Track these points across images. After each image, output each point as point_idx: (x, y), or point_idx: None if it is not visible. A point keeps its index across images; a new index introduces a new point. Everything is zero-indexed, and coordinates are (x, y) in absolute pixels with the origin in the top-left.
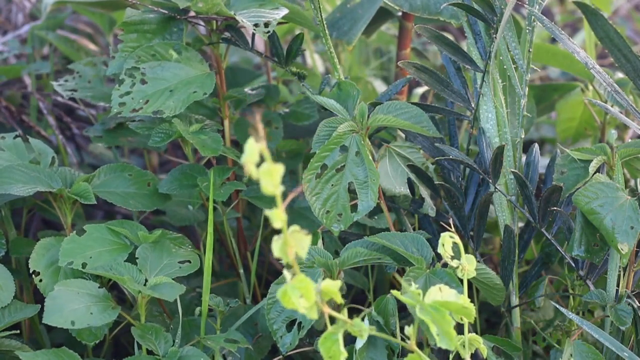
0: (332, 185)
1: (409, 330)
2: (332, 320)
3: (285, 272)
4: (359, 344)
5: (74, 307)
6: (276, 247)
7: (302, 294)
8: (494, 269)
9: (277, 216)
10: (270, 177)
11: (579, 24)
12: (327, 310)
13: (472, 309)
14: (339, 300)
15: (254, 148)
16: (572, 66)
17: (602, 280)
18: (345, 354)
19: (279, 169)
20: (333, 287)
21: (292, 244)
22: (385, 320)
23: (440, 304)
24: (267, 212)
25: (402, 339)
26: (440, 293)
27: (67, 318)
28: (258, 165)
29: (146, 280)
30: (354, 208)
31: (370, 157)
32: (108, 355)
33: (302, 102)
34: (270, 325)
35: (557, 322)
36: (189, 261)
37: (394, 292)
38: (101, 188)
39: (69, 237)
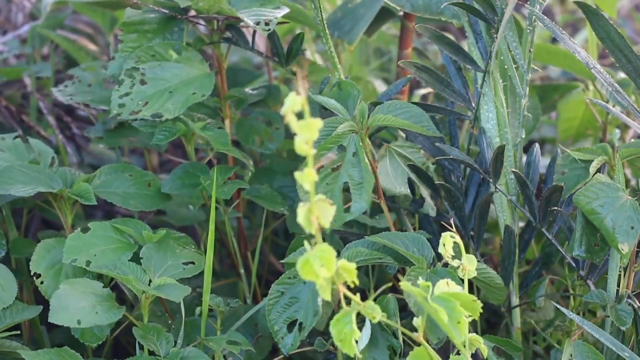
0: (327, 183)
1: (417, 321)
2: (331, 317)
3: (306, 243)
4: (361, 344)
5: (79, 306)
6: (301, 214)
7: (324, 263)
8: (495, 269)
9: (308, 176)
10: (308, 132)
11: (580, 23)
12: (343, 289)
13: (479, 302)
14: (355, 280)
15: (295, 98)
16: (573, 66)
17: (602, 281)
18: (358, 334)
19: (318, 123)
20: (350, 266)
21: (316, 212)
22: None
23: (450, 295)
24: (297, 174)
25: (405, 337)
26: (447, 287)
27: (73, 316)
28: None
29: (150, 281)
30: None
31: (367, 159)
32: (108, 355)
33: None
34: (271, 326)
35: (557, 322)
36: (193, 262)
37: (403, 283)
38: (102, 188)
39: (73, 234)
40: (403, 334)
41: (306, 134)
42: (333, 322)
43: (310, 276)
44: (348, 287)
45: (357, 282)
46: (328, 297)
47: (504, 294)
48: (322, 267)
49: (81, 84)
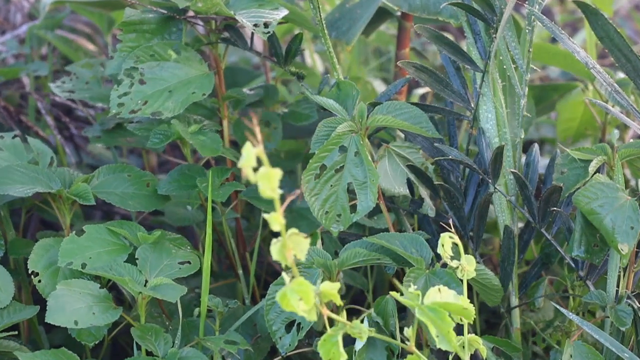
0: (331, 185)
1: (409, 331)
2: (331, 321)
3: (284, 275)
4: (359, 345)
5: (76, 307)
6: (274, 250)
7: (301, 297)
8: (494, 269)
9: (276, 220)
10: (268, 181)
11: (579, 23)
12: (326, 313)
13: (472, 309)
14: (338, 302)
15: (250, 152)
16: (572, 66)
17: (602, 281)
18: (345, 356)
19: (277, 173)
20: (332, 289)
21: (290, 246)
22: (385, 321)
23: (439, 305)
24: (266, 216)
25: (402, 340)
26: (440, 294)
27: (69, 317)
28: (256, 169)
29: (146, 281)
30: (354, 208)
31: (370, 158)
32: (107, 356)
33: (301, 102)
34: (270, 326)
35: (557, 322)
36: (189, 262)
37: (393, 293)
38: (100, 188)
39: (68, 238)
40: (401, 334)
41: (266, 184)
42: (320, 342)
43: (290, 308)
44: (347, 286)
45: (341, 303)
46: (314, 319)
47: (499, 296)
48: (300, 301)
49: (79, 81)
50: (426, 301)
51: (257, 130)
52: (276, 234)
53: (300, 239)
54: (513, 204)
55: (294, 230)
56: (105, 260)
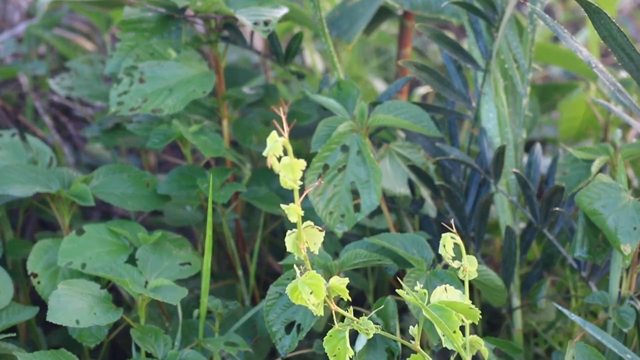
0: (335, 185)
1: (414, 330)
2: (332, 320)
3: (295, 268)
4: (359, 346)
5: (77, 307)
6: (289, 241)
7: (313, 291)
8: (495, 270)
9: (294, 211)
10: (291, 172)
11: (582, 22)
12: (335, 308)
13: (477, 310)
14: (347, 297)
15: (277, 141)
16: (574, 65)
17: (604, 282)
18: (351, 352)
19: (301, 163)
20: (341, 284)
21: (304, 239)
22: (386, 322)
23: (446, 304)
24: (284, 206)
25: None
26: (446, 293)
27: (71, 317)
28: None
29: (146, 283)
30: (357, 208)
31: (372, 156)
32: (105, 357)
33: (301, 102)
34: (269, 327)
35: (558, 323)
36: (190, 263)
37: (400, 291)
38: (99, 189)
39: (68, 237)
40: (401, 335)
41: (289, 175)
42: (327, 338)
43: (300, 302)
44: (347, 287)
45: (349, 299)
46: (322, 314)
47: (504, 296)
48: (311, 295)
49: (79, 78)
50: (432, 300)
51: (284, 119)
52: (276, 234)
53: (314, 231)
54: (515, 204)
55: (309, 222)
56: (105, 261)
